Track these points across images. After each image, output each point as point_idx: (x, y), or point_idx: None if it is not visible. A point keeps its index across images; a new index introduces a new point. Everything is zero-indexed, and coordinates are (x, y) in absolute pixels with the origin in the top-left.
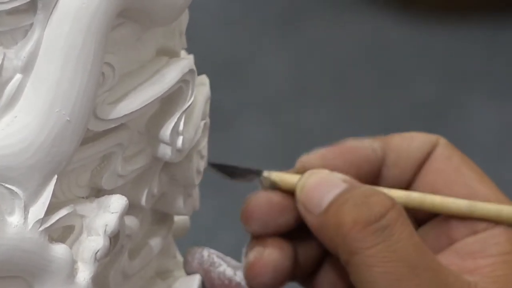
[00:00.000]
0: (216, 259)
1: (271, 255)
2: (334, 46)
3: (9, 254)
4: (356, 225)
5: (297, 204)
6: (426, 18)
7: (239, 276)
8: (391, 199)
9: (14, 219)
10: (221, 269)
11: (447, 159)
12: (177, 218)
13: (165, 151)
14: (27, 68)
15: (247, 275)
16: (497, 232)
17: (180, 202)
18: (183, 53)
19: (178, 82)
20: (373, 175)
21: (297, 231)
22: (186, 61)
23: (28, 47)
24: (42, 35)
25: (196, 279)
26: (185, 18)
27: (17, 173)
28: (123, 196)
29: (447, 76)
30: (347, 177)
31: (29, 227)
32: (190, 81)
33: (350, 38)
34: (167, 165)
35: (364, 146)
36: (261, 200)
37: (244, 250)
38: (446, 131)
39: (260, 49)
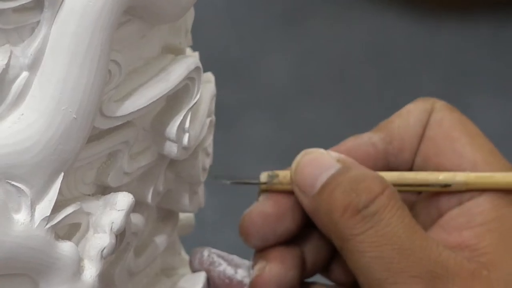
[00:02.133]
0: (216, 259)
1: (273, 270)
2: (337, 45)
3: (15, 251)
4: (345, 212)
5: (292, 184)
6: (429, 16)
7: (240, 275)
8: (382, 184)
9: (21, 217)
10: (221, 268)
11: (438, 124)
12: (182, 215)
13: (171, 148)
14: (33, 66)
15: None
16: (482, 200)
17: (185, 200)
18: (188, 50)
19: (184, 79)
20: (378, 169)
21: (302, 231)
22: (192, 58)
23: (34, 44)
24: (48, 33)
25: (202, 276)
26: (190, 16)
27: (24, 170)
28: (129, 194)
29: (451, 74)
30: (342, 156)
31: (36, 224)
32: (196, 79)
33: (354, 36)
34: (172, 162)
35: (363, 143)
36: (256, 215)
37: (251, 261)
38: None
39: (264, 48)
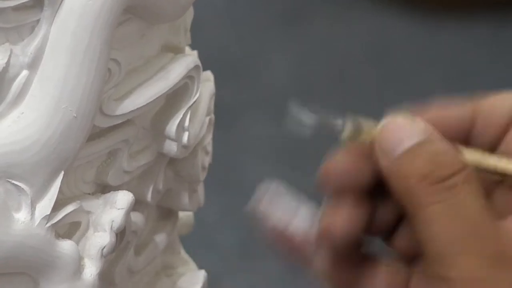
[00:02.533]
0: (278, 198)
1: (341, 220)
2: (338, 44)
3: (15, 250)
4: (424, 180)
5: (375, 145)
6: (430, 15)
7: (294, 225)
8: (463, 162)
9: (21, 215)
10: (278, 214)
11: None
12: (181, 214)
13: (171, 147)
14: (33, 65)
15: (323, 231)
16: None
17: (185, 198)
18: (187, 49)
19: (183, 78)
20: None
21: (375, 191)
22: (191, 57)
23: (34, 43)
24: (48, 32)
25: (201, 275)
26: (189, 15)
27: (24, 169)
28: (129, 192)
29: (451, 74)
30: (428, 127)
31: (36, 223)
32: (196, 77)
33: (354, 36)
34: (172, 161)
35: (451, 116)
36: (339, 158)
37: (318, 213)
38: None
39: (264, 47)
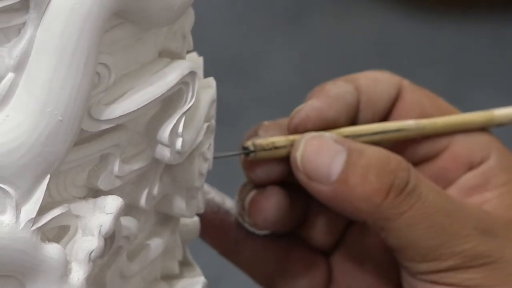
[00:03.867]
0: (205, 187)
1: (273, 190)
2: (340, 42)
3: (0, 253)
4: (389, 195)
5: (297, 173)
6: (432, 13)
7: (227, 205)
8: (403, 159)
9: (6, 218)
10: (209, 196)
11: (415, 104)
12: (188, 220)
13: (164, 152)
14: (19, 67)
15: (251, 210)
16: (492, 164)
17: (181, 204)
18: (193, 54)
19: (177, 84)
20: (353, 120)
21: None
22: (187, 63)
23: (20, 46)
24: (34, 35)
25: (200, 282)
26: (188, 20)
27: (9, 172)
28: (119, 197)
29: (454, 71)
30: (334, 136)
31: (21, 226)
32: (190, 83)
33: (357, 34)
34: (169, 167)
35: (344, 92)
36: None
37: (236, 197)
38: None
39: (266, 46)
